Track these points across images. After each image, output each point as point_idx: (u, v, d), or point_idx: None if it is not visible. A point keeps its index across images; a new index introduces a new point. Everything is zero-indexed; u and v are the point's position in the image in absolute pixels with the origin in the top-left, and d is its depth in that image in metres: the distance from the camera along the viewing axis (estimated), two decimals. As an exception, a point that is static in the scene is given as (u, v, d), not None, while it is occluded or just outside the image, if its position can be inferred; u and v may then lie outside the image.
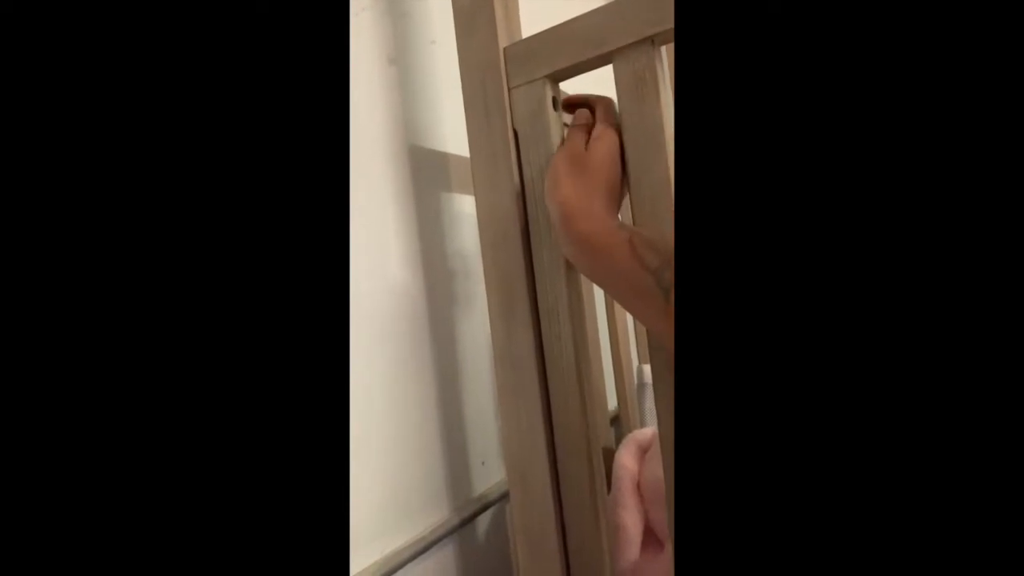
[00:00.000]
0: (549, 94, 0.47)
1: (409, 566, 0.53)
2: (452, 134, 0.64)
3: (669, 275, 0.36)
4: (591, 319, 0.77)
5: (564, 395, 0.48)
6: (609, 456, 0.66)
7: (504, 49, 0.48)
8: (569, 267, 0.47)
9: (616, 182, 0.43)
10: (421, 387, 0.58)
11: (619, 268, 0.39)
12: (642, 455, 0.65)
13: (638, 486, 0.62)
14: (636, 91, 0.43)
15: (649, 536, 0.60)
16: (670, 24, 0.40)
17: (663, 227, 0.42)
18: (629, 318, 0.83)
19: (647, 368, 0.82)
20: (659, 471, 0.55)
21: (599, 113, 0.46)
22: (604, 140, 0.43)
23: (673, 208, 0.42)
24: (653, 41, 0.42)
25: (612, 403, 0.84)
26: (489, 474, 0.66)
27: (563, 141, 0.46)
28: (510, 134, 0.48)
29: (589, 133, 0.45)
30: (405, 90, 0.59)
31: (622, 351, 0.81)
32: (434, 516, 0.58)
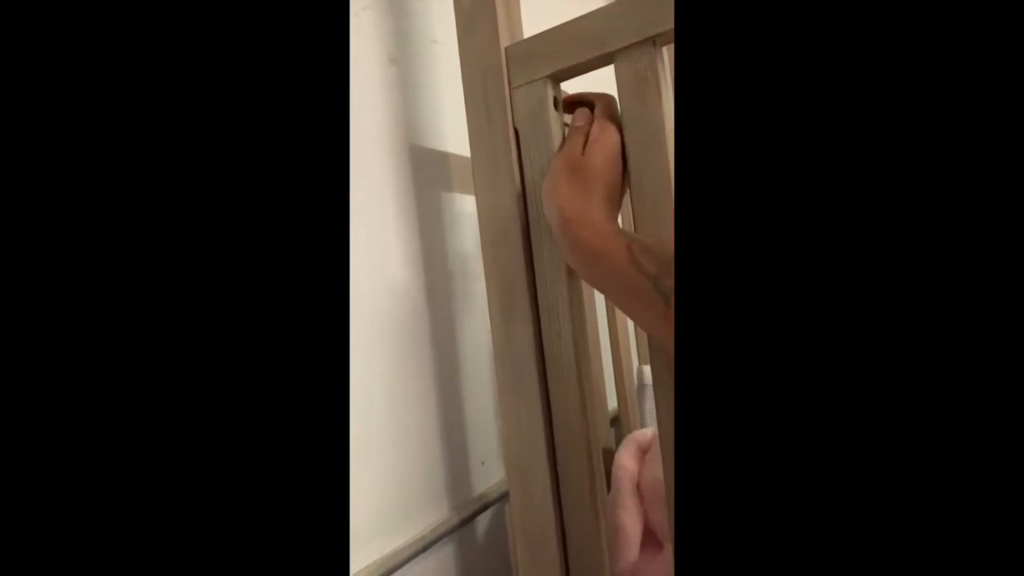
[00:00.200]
0: (550, 94, 0.47)
1: (408, 565, 0.53)
2: (453, 133, 0.64)
3: (668, 282, 0.36)
4: (591, 319, 0.77)
5: (564, 395, 0.48)
6: (609, 457, 0.66)
7: (505, 49, 0.48)
8: (569, 267, 0.47)
9: (615, 185, 0.43)
10: (421, 386, 0.58)
11: (618, 274, 0.39)
12: (642, 456, 0.65)
13: (638, 487, 0.62)
14: (638, 91, 0.43)
15: (648, 537, 0.60)
16: (671, 24, 0.40)
17: (664, 226, 0.42)
18: (629, 319, 0.82)
19: (647, 369, 0.82)
20: (659, 472, 0.55)
21: (598, 111, 0.46)
22: (602, 143, 0.43)
23: (672, 206, 0.42)
24: (655, 41, 0.42)
25: (612, 404, 0.84)
26: (489, 474, 0.66)
27: (562, 144, 0.46)
28: (511, 134, 0.48)
29: (588, 135, 0.45)
30: (406, 89, 0.59)
31: (622, 352, 0.81)
32: (434, 516, 0.58)
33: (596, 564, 0.48)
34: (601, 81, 0.48)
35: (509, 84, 0.48)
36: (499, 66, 0.48)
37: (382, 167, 0.55)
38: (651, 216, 0.43)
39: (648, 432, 0.69)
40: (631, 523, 0.59)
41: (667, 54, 0.43)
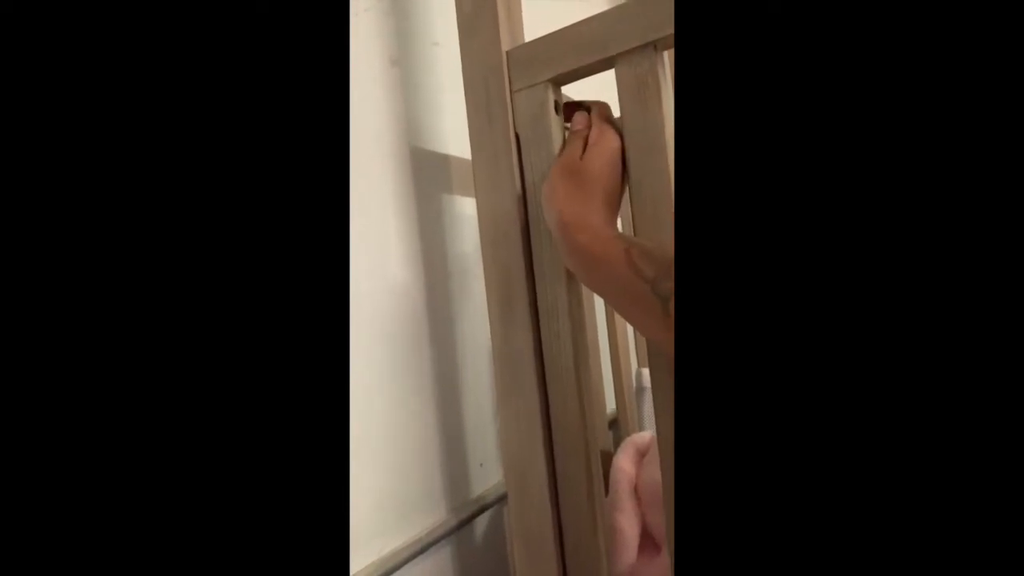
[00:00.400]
0: (551, 98, 0.47)
1: (407, 567, 0.53)
2: (453, 136, 0.64)
3: (666, 285, 0.36)
4: (591, 322, 0.77)
5: (563, 397, 0.48)
6: (607, 459, 0.66)
7: (507, 52, 0.48)
8: (569, 270, 0.47)
9: (614, 189, 0.43)
10: (420, 388, 0.58)
11: (616, 279, 0.39)
12: (640, 459, 0.65)
13: (635, 490, 0.62)
14: (638, 95, 0.43)
15: (646, 540, 0.60)
16: (672, 29, 0.41)
17: (664, 230, 0.43)
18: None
19: (646, 372, 0.82)
20: (657, 475, 0.55)
21: (594, 117, 0.46)
22: (601, 147, 0.43)
23: (672, 210, 0.42)
24: (655, 46, 0.42)
25: (611, 406, 0.84)
26: (487, 476, 0.66)
27: (562, 148, 0.46)
28: (512, 137, 0.48)
29: (587, 139, 0.45)
30: (407, 91, 0.59)
31: (621, 354, 0.81)
32: (432, 517, 0.58)
33: (594, 566, 0.48)
34: (603, 86, 0.48)
35: (510, 87, 0.48)
36: (500, 69, 0.48)
37: (383, 168, 0.56)
38: (651, 219, 0.43)
39: (646, 435, 0.69)
40: (628, 526, 0.59)
41: (668, 58, 0.44)
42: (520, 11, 0.51)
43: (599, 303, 0.81)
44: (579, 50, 0.45)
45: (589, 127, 0.45)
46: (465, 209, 0.65)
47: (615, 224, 0.43)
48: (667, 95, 0.43)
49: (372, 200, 0.54)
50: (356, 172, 0.52)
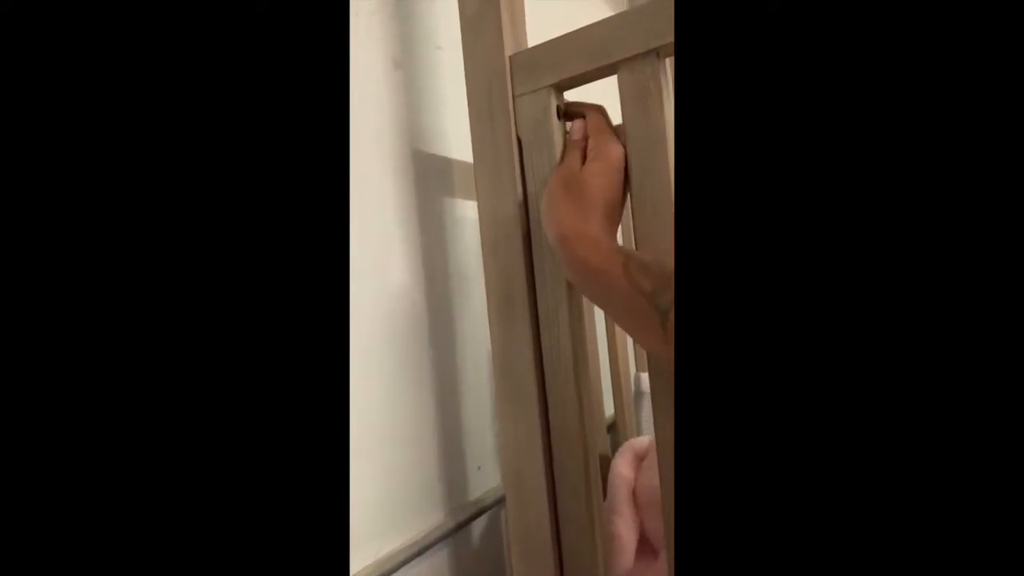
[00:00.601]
0: (554, 103, 0.47)
1: (404, 569, 0.53)
2: (456, 139, 0.64)
3: (664, 299, 0.36)
4: (590, 327, 0.77)
5: (562, 401, 0.48)
6: (605, 463, 0.66)
7: (510, 57, 0.48)
8: (569, 275, 0.47)
9: (614, 201, 0.43)
10: (419, 390, 0.58)
11: (615, 292, 0.39)
12: (638, 464, 0.65)
13: (634, 494, 0.62)
14: (640, 102, 0.43)
15: (644, 545, 0.60)
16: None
17: (664, 236, 0.43)
18: (628, 326, 0.83)
19: (645, 377, 0.82)
20: (655, 480, 0.55)
21: (592, 127, 0.46)
22: (600, 158, 0.43)
23: (674, 219, 0.42)
24: (658, 53, 0.42)
25: (609, 410, 0.84)
26: (485, 479, 0.66)
27: (562, 157, 0.46)
28: (514, 141, 0.48)
29: (585, 149, 0.44)
30: (410, 93, 0.59)
31: (620, 359, 0.81)
32: (429, 520, 0.58)
33: (591, 570, 0.48)
34: (606, 92, 0.48)
35: (513, 92, 0.48)
36: (503, 74, 0.48)
37: (384, 170, 0.56)
38: (652, 226, 0.43)
39: (645, 440, 0.69)
40: (626, 531, 0.59)
41: (670, 65, 0.44)
42: (523, 16, 0.51)
43: (598, 308, 0.81)
44: (582, 56, 0.45)
45: (587, 136, 0.45)
46: (466, 213, 0.65)
47: (615, 236, 0.43)
48: (669, 102, 0.43)
49: (373, 202, 0.54)
50: (357, 174, 0.52)
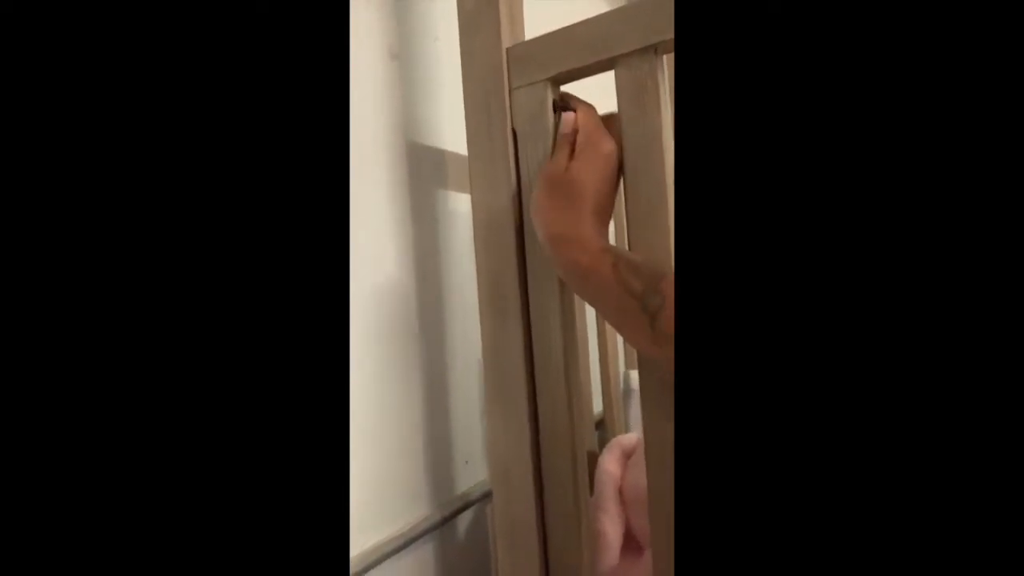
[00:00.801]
0: (550, 96, 0.47)
1: (389, 561, 0.53)
2: (451, 132, 0.64)
3: (654, 301, 0.36)
4: (580, 323, 0.77)
5: (551, 397, 0.48)
6: (592, 460, 0.66)
7: (507, 50, 0.48)
8: (562, 270, 0.47)
9: (604, 198, 0.43)
10: (408, 383, 0.58)
11: (605, 292, 0.39)
12: (625, 461, 0.65)
13: (620, 491, 0.62)
14: (637, 98, 0.43)
15: (629, 541, 0.60)
16: (673, 33, 0.41)
17: (658, 233, 0.43)
18: (618, 323, 0.83)
19: (634, 374, 0.82)
20: (642, 477, 0.55)
21: (581, 118, 0.45)
22: (589, 154, 0.43)
23: (668, 215, 0.42)
24: (656, 50, 0.42)
25: (597, 407, 0.84)
26: (472, 473, 0.66)
27: (551, 152, 0.46)
28: (509, 134, 0.48)
29: (574, 145, 0.44)
30: (406, 85, 0.59)
31: (610, 356, 0.81)
32: (416, 513, 0.58)
33: (575, 564, 0.48)
34: (602, 87, 0.48)
35: (509, 85, 0.48)
36: (500, 67, 0.48)
37: (377, 160, 0.55)
38: (645, 223, 0.43)
39: (632, 437, 0.69)
40: (612, 528, 0.59)
41: (668, 63, 0.44)
42: (521, 9, 0.51)
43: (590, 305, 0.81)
44: (579, 50, 0.45)
45: (576, 130, 0.45)
46: (459, 206, 0.65)
47: (606, 232, 0.43)
48: (665, 99, 0.43)
49: (366, 192, 0.54)
50: (352, 164, 0.52)
